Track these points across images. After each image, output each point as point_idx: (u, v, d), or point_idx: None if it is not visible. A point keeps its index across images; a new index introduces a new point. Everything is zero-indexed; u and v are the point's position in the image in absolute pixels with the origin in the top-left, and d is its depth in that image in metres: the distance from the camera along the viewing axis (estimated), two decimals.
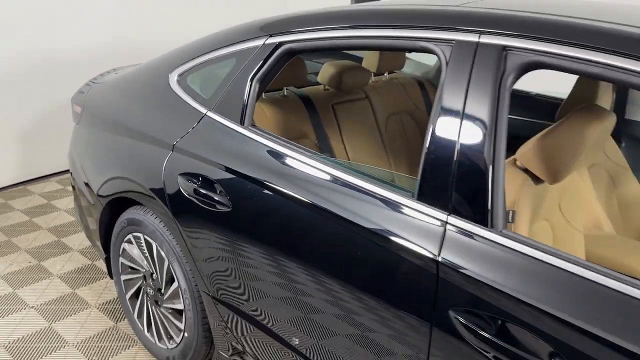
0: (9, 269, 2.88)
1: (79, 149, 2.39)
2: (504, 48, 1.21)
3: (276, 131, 2.14)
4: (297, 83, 2.24)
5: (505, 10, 1.29)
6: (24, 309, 2.55)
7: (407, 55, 2.97)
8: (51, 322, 2.46)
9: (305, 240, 1.49)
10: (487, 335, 1.11)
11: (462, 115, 1.23)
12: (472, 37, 1.26)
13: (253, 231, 1.62)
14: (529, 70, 1.21)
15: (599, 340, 0.99)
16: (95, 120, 2.29)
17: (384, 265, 1.30)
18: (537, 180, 1.42)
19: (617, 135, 2.31)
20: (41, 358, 2.23)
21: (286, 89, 2.31)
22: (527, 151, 1.41)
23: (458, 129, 1.23)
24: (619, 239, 1.87)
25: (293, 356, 1.62)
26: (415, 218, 1.26)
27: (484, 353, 1.12)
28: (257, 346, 1.76)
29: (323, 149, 2.30)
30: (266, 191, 1.57)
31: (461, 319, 1.15)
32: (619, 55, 1.07)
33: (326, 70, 2.35)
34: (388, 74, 2.78)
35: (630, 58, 1.06)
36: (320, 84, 2.44)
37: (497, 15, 1.27)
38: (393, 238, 1.28)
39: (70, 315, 2.51)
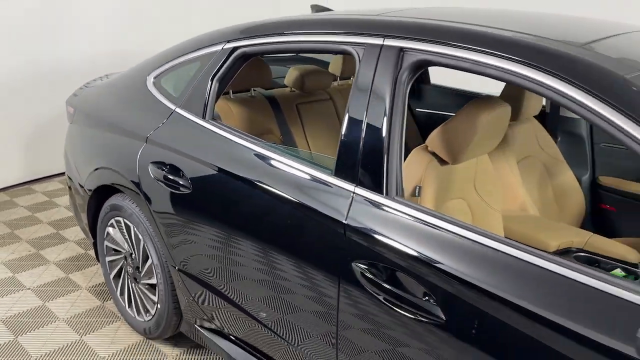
0: (10, 256, 3.17)
1: (72, 146, 2.67)
2: (402, 49, 1.47)
3: (242, 127, 2.41)
4: (263, 85, 2.51)
5: (405, 18, 1.55)
6: (21, 290, 2.83)
7: None
8: (45, 301, 2.73)
9: (249, 214, 1.75)
10: (379, 281, 1.36)
11: (368, 105, 1.48)
12: (378, 41, 1.52)
13: (209, 209, 1.88)
14: (421, 68, 1.47)
15: (469, 285, 1.22)
16: (85, 119, 2.58)
17: (307, 230, 1.56)
18: (442, 162, 1.67)
19: (553, 130, 2.55)
20: (34, 330, 2.49)
21: (254, 90, 2.58)
22: (433, 137, 1.66)
23: (364, 116, 1.48)
24: (538, 219, 2.10)
25: (249, 321, 1.87)
26: (331, 190, 1.52)
27: (376, 296, 1.36)
28: (219, 313, 2.01)
29: (287, 144, 2.56)
30: (219, 174, 1.83)
31: (361, 270, 1.40)
32: (482, 53, 1.32)
33: (291, 74, 2.62)
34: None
35: (489, 55, 1.31)
36: (287, 87, 2.71)
37: (397, 22, 1.54)
38: (315, 206, 1.53)
39: (63, 296, 2.78)
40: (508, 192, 2.12)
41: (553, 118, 2.54)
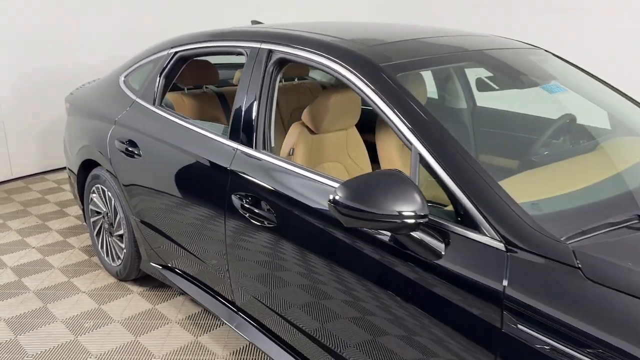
0: (21, 226, 3.90)
1: (67, 134, 3.39)
2: (270, 50, 2.13)
3: (193, 115, 3.09)
4: (212, 82, 3.19)
5: (275, 29, 2.21)
6: (27, 248, 3.54)
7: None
8: (44, 256, 3.44)
9: (178, 170, 2.41)
10: (248, 205, 2.00)
11: (248, 88, 2.14)
12: (257, 45, 2.18)
13: (153, 170, 2.56)
14: (284, 63, 2.11)
15: (293, 201, 1.85)
16: (76, 111, 3.30)
17: (208, 176, 2.22)
18: (311, 132, 2.31)
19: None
20: (35, 274, 3.20)
21: (205, 87, 3.27)
22: (305, 113, 2.30)
23: (245, 96, 2.14)
24: None
25: (186, 255, 2.53)
26: (224, 147, 2.17)
27: (246, 216, 2.01)
28: (166, 252, 2.67)
29: None
30: (161, 143, 2.51)
31: (237, 199, 2.04)
32: (308, 52, 1.97)
33: (237, 75, 3.30)
34: (298, 79, 3.71)
35: (310, 52, 1.95)
36: (236, 85, 3.39)
37: (269, 32, 2.20)
38: (215, 160, 2.19)
39: (59, 253, 3.48)
40: (384, 161, 2.73)
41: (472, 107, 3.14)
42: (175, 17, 5.61)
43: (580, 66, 2.57)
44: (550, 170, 1.87)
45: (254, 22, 3.13)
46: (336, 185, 1.71)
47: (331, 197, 1.44)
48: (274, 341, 2.09)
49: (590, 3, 4.51)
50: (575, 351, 1.16)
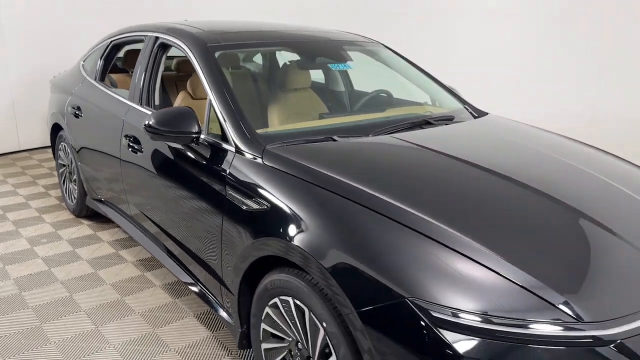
0: (16, 182, 4.96)
1: (49, 107, 4.41)
2: (157, 38, 3.04)
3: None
4: None
5: (169, 23, 3.13)
6: (27, 209, 4.57)
7: None
8: (43, 215, 4.46)
9: (105, 125, 3.36)
10: (131, 143, 2.92)
11: (145, 64, 3.07)
12: (152, 34, 3.10)
13: (89, 124, 3.51)
14: (166, 48, 3.02)
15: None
16: (54, 89, 4.32)
17: (113, 127, 3.15)
18: (192, 97, 3.21)
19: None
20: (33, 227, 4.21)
21: None
22: (187, 84, 3.20)
23: (139, 68, 3.07)
24: None
25: (116, 193, 3.46)
26: (124, 105, 3.10)
27: (129, 150, 2.92)
28: (101, 189, 3.61)
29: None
30: (94, 106, 3.46)
31: (125, 140, 2.96)
32: (174, 37, 2.88)
33: (174, 62, 4.24)
34: None
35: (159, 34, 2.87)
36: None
37: (162, 25, 3.12)
38: (117, 115, 3.11)
39: (61, 216, 4.49)
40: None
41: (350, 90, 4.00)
42: None
43: (407, 57, 3.41)
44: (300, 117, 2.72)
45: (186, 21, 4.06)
46: None
47: (145, 122, 2.34)
48: (154, 243, 2.98)
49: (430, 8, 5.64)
50: (252, 201, 2.01)
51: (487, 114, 3.05)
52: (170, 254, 2.78)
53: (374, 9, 6.35)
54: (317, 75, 3.57)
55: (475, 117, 2.90)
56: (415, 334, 1.44)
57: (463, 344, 1.38)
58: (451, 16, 6.69)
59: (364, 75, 3.47)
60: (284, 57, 3.21)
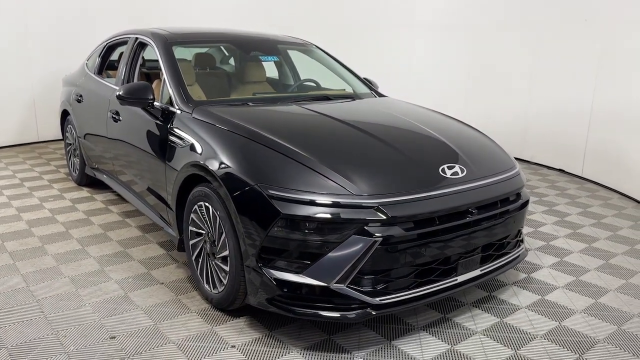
0: (33, 162, 6.00)
1: (60, 98, 5.46)
2: (137, 39, 4.05)
3: None
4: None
5: (148, 28, 4.14)
6: (40, 180, 5.60)
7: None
8: (53, 184, 5.48)
9: (97, 107, 4.36)
10: (114, 115, 3.90)
11: (127, 60, 4.07)
12: (134, 36, 4.11)
13: (88, 108, 4.52)
14: (143, 47, 4.03)
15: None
16: (64, 83, 5.37)
17: (102, 107, 4.15)
18: None
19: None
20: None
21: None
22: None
23: (122, 66, 4.07)
24: None
25: (109, 160, 4.45)
26: (112, 89, 4.09)
27: (114, 121, 3.91)
28: (96, 159, 4.60)
29: None
30: (91, 92, 4.48)
31: (110, 113, 3.95)
32: (147, 37, 3.88)
33: None
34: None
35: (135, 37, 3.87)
36: None
37: (142, 30, 4.12)
38: (105, 95, 4.11)
39: (66, 185, 5.52)
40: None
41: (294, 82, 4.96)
42: None
43: (334, 56, 4.37)
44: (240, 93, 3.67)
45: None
46: None
47: (117, 92, 3.33)
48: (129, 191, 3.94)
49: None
50: (182, 142, 2.97)
51: (386, 97, 3.98)
52: (137, 194, 3.74)
53: (333, 24, 7.72)
54: (272, 72, 4.55)
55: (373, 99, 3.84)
56: (259, 203, 2.37)
57: (282, 205, 2.30)
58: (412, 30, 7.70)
59: (301, 69, 4.44)
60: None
